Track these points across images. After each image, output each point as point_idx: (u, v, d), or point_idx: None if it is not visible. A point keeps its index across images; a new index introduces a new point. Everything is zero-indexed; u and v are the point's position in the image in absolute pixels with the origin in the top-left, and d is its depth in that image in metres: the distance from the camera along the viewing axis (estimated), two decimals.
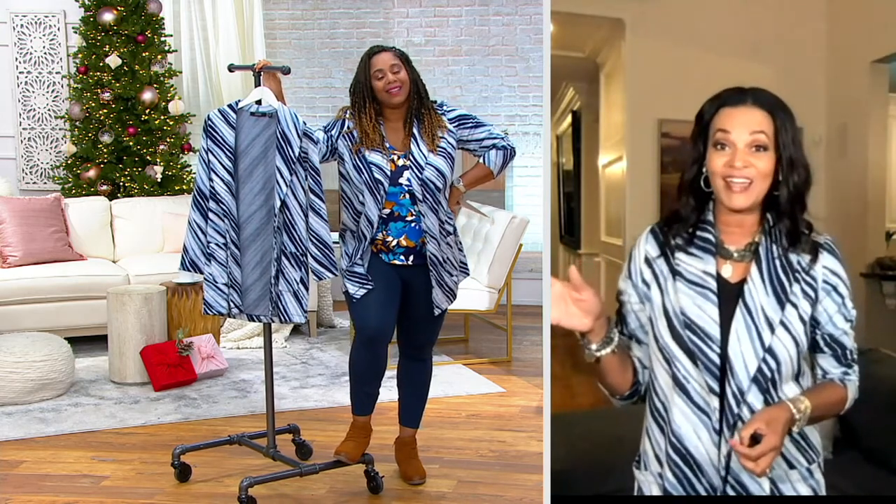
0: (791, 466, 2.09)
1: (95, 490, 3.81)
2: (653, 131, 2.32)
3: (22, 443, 4.34)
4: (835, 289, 2.08)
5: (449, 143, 3.60)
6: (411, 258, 3.61)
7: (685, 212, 2.13)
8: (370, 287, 3.58)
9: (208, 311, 3.63)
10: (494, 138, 3.66)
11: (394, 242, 3.59)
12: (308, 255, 3.45)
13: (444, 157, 3.57)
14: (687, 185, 2.13)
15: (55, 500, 3.73)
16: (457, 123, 3.63)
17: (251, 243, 3.54)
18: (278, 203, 3.45)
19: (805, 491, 2.10)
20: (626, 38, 2.31)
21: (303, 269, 3.47)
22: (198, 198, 3.58)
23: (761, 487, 2.08)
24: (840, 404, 2.11)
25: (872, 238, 2.29)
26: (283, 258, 3.48)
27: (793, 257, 2.08)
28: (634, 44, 2.31)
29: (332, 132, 3.60)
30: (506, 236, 5.56)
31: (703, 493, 2.11)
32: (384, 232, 3.59)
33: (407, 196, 3.55)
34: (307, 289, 3.49)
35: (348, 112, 3.63)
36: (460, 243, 3.77)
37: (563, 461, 2.31)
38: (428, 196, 3.54)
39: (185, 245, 3.62)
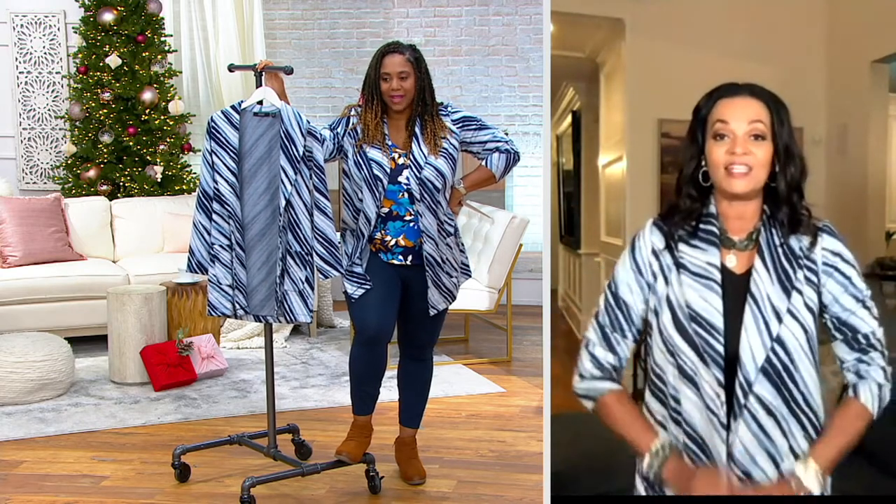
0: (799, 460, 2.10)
1: (95, 490, 3.81)
2: (653, 131, 2.32)
3: (22, 443, 4.34)
4: (836, 269, 2.09)
5: (451, 144, 3.59)
6: (410, 258, 3.61)
7: (686, 205, 2.15)
8: (368, 287, 3.58)
9: (213, 313, 3.62)
10: (498, 141, 3.65)
11: (392, 242, 3.59)
12: (314, 253, 3.45)
13: (444, 157, 3.56)
14: (687, 179, 2.16)
15: (55, 500, 3.73)
16: (461, 125, 3.63)
17: (256, 244, 3.54)
18: (283, 203, 3.45)
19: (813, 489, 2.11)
20: (626, 38, 2.31)
21: (308, 269, 3.47)
22: (202, 199, 3.58)
23: (767, 477, 2.09)
24: (863, 418, 2.07)
25: (872, 238, 2.29)
26: (288, 258, 3.48)
27: (794, 243, 2.10)
28: (634, 44, 2.31)
29: (338, 129, 3.60)
30: (506, 236, 5.56)
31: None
32: (382, 231, 3.59)
33: (405, 195, 3.55)
34: (312, 288, 3.50)
35: (353, 109, 3.64)
36: (462, 245, 3.76)
37: (563, 461, 2.31)
38: (426, 195, 3.54)
39: (191, 247, 3.62)
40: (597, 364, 2.20)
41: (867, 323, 2.09)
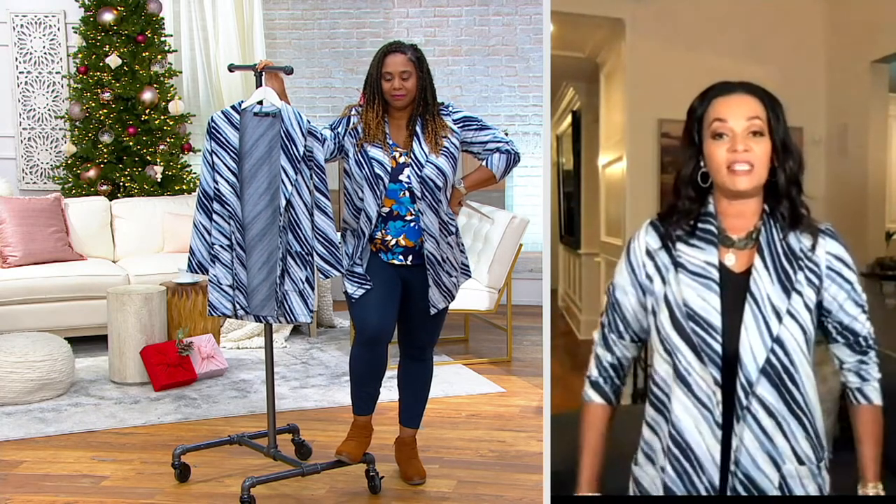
0: (801, 463, 2.10)
1: (95, 490, 3.81)
2: (653, 131, 2.32)
3: (22, 443, 4.34)
4: (840, 274, 2.10)
5: (452, 143, 3.60)
6: (410, 258, 3.61)
7: (685, 205, 2.15)
8: (369, 287, 3.58)
9: (213, 313, 3.62)
10: (499, 142, 3.65)
11: (392, 242, 3.59)
12: (314, 253, 3.46)
13: (445, 156, 3.57)
14: (685, 180, 2.16)
15: (55, 500, 3.73)
16: (462, 125, 3.63)
17: (257, 244, 3.54)
18: (283, 203, 3.45)
19: (812, 488, 2.11)
20: (626, 38, 2.31)
21: (308, 269, 3.47)
22: (203, 199, 3.58)
23: (771, 483, 2.08)
24: (881, 416, 2.14)
25: (872, 238, 2.29)
26: (288, 258, 3.48)
27: (794, 244, 2.10)
28: (634, 44, 2.31)
29: (339, 129, 3.61)
30: (506, 236, 5.56)
31: (702, 490, 2.11)
32: (383, 231, 3.59)
33: (406, 194, 3.55)
34: (313, 288, 3.50)
35: (354, 109, 3.65)
36: (462, 244, 3.76)
37: (563, 461, 2.31)
38: (427, 194, 3.54)
39: (191, 247, 3.62)
40: (597, 362, 2.28)
41: (865, 326, 2.14)
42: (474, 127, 3.64)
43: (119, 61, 6.55)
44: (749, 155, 2.08)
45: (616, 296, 2.23)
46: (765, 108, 2.11)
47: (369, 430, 3.76)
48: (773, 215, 2.12)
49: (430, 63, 3.68)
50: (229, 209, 3.54)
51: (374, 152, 3.55)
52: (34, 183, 7.20)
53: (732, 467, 2.09)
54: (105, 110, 6.59)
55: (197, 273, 3.64)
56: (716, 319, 2.09)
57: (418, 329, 3.76)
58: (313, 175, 3.44)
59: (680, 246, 2.15)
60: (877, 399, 2.14)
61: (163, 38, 6.84)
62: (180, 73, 7.07)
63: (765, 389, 2.06)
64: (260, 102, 3.52)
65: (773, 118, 2.11)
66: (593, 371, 2.27)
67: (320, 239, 3.45)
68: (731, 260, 2.12)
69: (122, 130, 6.61)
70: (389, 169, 3.54)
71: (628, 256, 2.21)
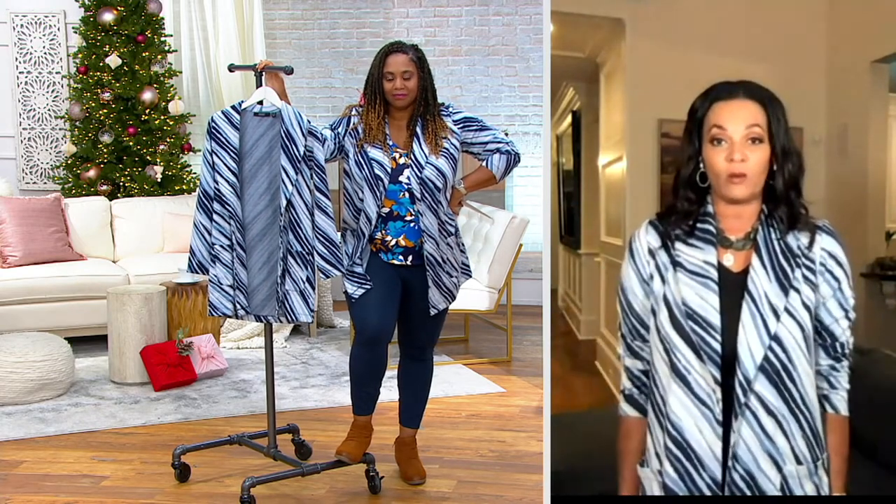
0: (799, 462, 2.10)
1: (95, 490, 3.81)
2: (653, 131, 2.32)
3: (22, 443, 4.34)
4: (831, 272, 2.10)
5: (452, 144, 3.60)
6: (410, 258, 3.62)
7: (684, 206, 2.15)
8: (369, 287, 3.58)
9: (213, 313, 3.62)
10: (499, 143, 3.65)
11: (392, 242, 3.59)
12: (315, 253, 3.46)
13: (445, 157, 3.57)
14: (684, 180, 2.16)
15: (55, 500, 3.73)
16: (462, 126, 3.63)
17: (257, 244, 3.54)
18: (284, 202, 3.45)
19: (809, 488, 2.11)
20: (626, 38, 2.31)
21: (309, 269, 3.47)
22: (203, 199, 3.58)
23: (770, 480, 2.09)
24: (847, 427, 2.14)
25: (872, 238, 2.29)
26: (289, 257, 3.48)
27: (792, 242, 2.10)
28: (634, 44, 2.31)
29: (339, 129, 3.61)
30: (506, 236, 5.56)
31: (704, 488, 2.11)
32: (383, 231, 3.59)
33: (406, 195, 3.55)
34: (313, 288, 3.50)
35: (354, 109, 3.65)
36: (462, 245, 3.77)
37: (563, 461, 2.31)
38: (427, 195, 3.54)
39: (191, 247, 3.62)
40: (628, 374, 2.25)
41: (845, 332, 2.13)
42: (474, 128, 3.64)
43: (119, 61, 6.56)
44: (745, 165, 2.08)
45: (628, 300, 2.21)
46: (765, 114, 2.09)
47: (369, 430, 3.76)
48: (772, 217, 2.12)
49: (430, 63, 3.68)
50: (229, 209, 3.55)
51: (374, 153, 3.55)
52: (34, 183, 7.20)
53: (731, 462, 2.09)
54: (105, 110, 6.59)
55: (197, 273, 3.64)
56: (714, 318, 2.09)
57: (418, 329, 3.76)
58: (314, 175, 3.44)
59: (679, 245, 2.15)
60: (843, 410, 2.14)
61: (163, 38, 6.84)
62: (180, 73, 7.07)
63: (763, 387, 2.07)
64: (260, 102, 3.53)
65: (774, 122, 2.09)
66: (626, 383, 2.24)
67: (321, 238, 3.45)
68: (730, 260, 2.13)
69: (122, 130, 6.61)
70: (389, 170, 3.54)
71: (632, 256, 2.21)
